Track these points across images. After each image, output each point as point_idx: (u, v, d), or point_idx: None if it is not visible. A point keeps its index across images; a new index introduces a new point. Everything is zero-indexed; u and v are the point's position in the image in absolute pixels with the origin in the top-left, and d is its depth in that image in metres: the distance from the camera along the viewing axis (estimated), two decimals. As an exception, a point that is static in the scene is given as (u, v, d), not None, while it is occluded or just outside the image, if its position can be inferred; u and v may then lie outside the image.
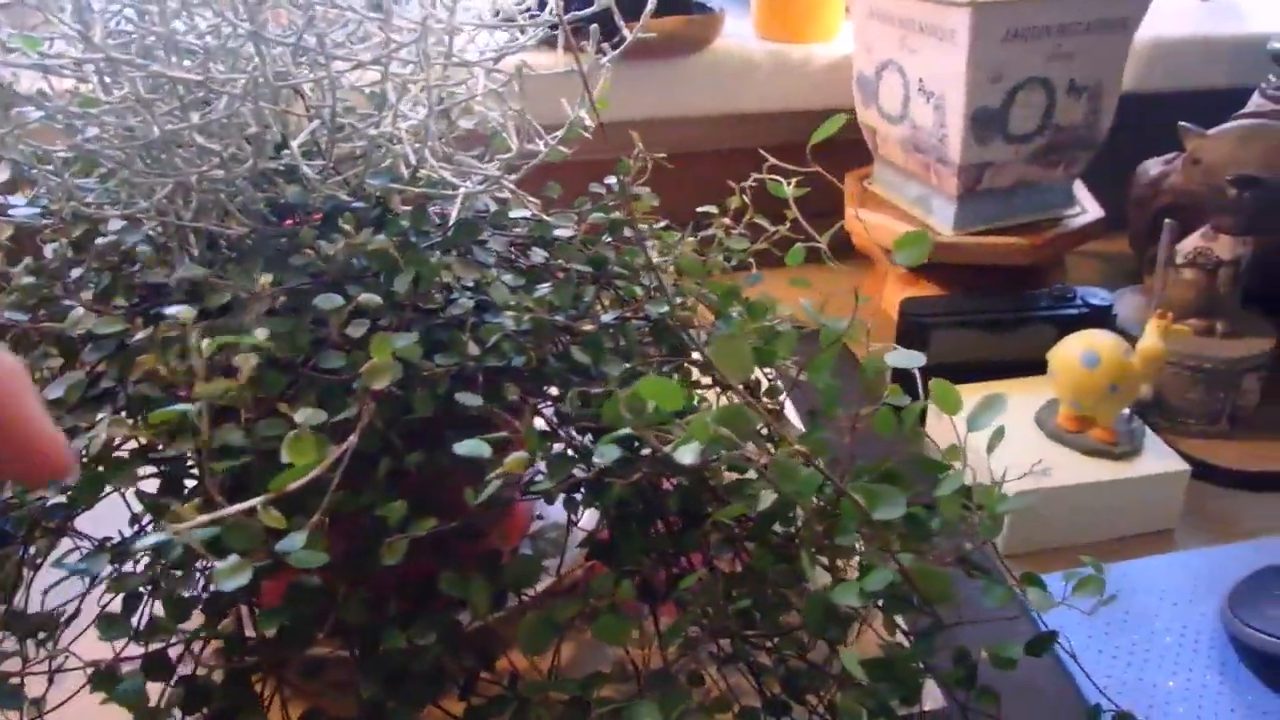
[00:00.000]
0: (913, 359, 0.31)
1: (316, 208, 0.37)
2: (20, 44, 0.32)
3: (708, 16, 0.75)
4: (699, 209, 0.43)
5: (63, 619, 0.31)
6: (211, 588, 0.27)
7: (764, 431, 0.34)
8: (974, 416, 0.31)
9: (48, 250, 0.37)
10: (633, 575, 0.33)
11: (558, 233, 0.36)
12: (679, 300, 0.38)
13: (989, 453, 0.37)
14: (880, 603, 0.29)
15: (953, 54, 0.58)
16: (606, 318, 0.36)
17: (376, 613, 0.30)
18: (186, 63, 0.34)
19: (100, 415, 0.31)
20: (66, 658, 0.29)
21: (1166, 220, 0.50)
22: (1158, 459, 0.51)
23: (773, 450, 0.31)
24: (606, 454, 0.26)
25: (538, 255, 0.39)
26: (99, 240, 0.36)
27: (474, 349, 0.32)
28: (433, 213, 0.38)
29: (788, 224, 0.44)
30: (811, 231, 0.40)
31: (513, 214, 0.40)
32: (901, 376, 0.60)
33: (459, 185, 0.37)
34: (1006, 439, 0.52)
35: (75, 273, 0.35)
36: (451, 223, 0.36)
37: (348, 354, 0.31)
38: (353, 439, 0.28)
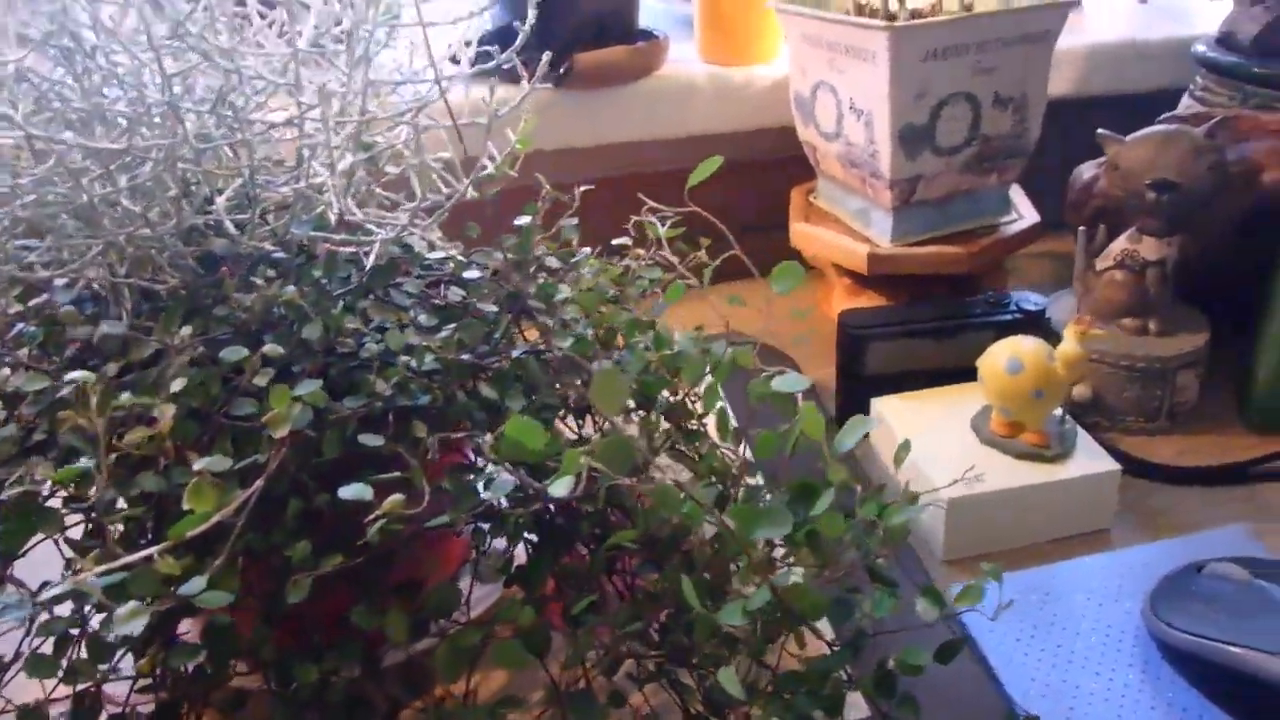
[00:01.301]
0: (798, 383, 0.33)
1: (246, 257, 0.38)
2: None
3: (651, 44, 0.77)
4: (613, 240, 0.45)
5: (4, 660, 0.32)
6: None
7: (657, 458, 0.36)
8: (841, 437, 0.32)
9: None
10: (546, 600, 0.34)
11: (466, 274, 0.38)
12: (591, 331, 0.39)
13: (896, 465, 0.38)
14: (758, 623, 0.30)
15: (876, 75, 0.60)
16: (516, 353, 0.37)
17: (297, 646, 0.32)
18: (114, 130, 0.36)
19: (34, 465, 0.32)
20: (7, 702, 0.31)
21: (1080, 228, 0.51)
22: (1089, 459, 0.52)
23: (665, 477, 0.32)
24: (496, 489, 0.28)
25: (456, 294, 0.40)
26: (34, 300, 0.38)
27: (383, 389, 0.33)
28: (362, 253, 0.39)
29: (703, 249, 0.45)
30: (740, 252, 0.41)
31: (431, 255, 0.41)
32: (840, 389, 0.62)
33: (376, 232, 0.39)
34: (943, 446, 0.54)
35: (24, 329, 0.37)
36: (368, 268, 0.38)
37: (259, 401, 0.32)
38: (259, 483, 0.29)
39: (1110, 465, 0.52)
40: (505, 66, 0.73)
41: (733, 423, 0.39)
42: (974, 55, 0.62)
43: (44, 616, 0.30)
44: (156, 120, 0.38)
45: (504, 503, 0.33)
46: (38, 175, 0.33)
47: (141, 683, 0.32)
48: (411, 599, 0.33)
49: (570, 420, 0.40)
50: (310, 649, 0.32)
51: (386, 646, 0.33)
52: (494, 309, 0.37)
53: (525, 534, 0.34)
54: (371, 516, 0.27)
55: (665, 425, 0.40)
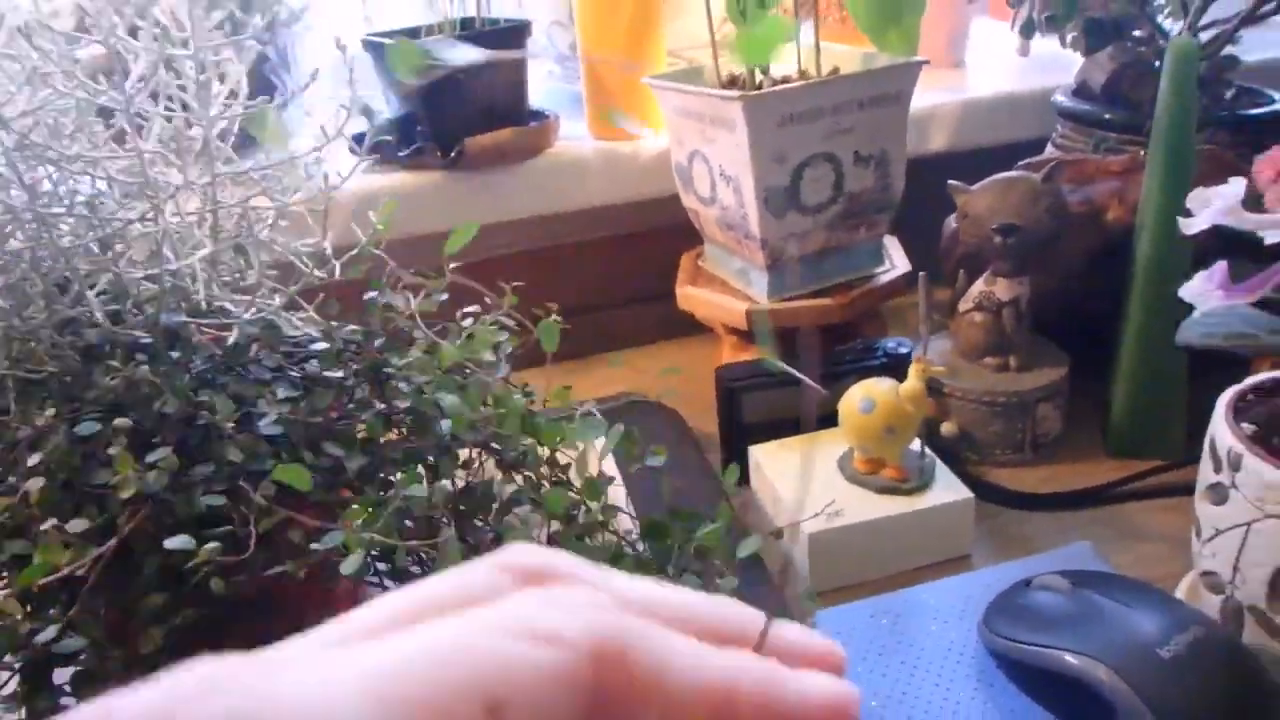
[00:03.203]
0: (596, 429, 0.38)
1: (121, 344, 0.43)
2: None
3: (541, 125, 0.84)
4: (460, 311, 0.50)
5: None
6: None
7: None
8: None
9: None
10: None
11: (313, 347, 0.43)
12: (440, 395, 0.44)
13: (730, 494, 0.43)
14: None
15: (737, 142, 0.67)
16: (366, 415, 0.42)
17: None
18: None
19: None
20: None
21: (920, 274, 0.57)
22: (945, 490, 0.57)
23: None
24: (325, 542, 0.32)
25: (314, 366, 0.45)
26: None
27: (235, 456, 0.38)
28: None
29: (548, 318, 0.51)
30: (532, 327, 0.47)
31: (292, 332, 0.46)
32: (723, 440, 0.67)
33: (235, 314, 0.44)
34: (812, 484, 0.58)
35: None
36: (229, 345, 0.43)
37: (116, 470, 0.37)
38: (112, 541, 0.34)
39: (964, 494, 0.57)
40: (402, 154, 0.80)
41: (592, 471, 0.44)
42: (830, 118, 0.69)
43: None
44: (30, 225, 0.43)
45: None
46: None
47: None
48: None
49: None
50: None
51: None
52: (340, 376, 0.42)
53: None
54: (190, 564, 0.31)
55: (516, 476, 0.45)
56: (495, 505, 0.43)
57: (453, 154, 0.80)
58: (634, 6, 0.83)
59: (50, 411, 0.39)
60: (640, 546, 0.44)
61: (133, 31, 0.42)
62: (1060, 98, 0.81)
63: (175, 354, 0.41)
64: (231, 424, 0.38)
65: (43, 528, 0.32)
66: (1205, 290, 0.45)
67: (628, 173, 0.84)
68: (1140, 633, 0.43)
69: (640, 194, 0.85)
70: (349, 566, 0.31)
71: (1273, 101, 0.75)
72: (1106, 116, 0.76)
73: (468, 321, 0.50)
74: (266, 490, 0.38)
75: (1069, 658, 0.43)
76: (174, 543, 0.32)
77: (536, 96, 0.88)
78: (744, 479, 0.66)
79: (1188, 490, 0.61)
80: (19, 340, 0.41)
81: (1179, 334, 0.46)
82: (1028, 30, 0.77)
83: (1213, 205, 0.44)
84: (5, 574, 0.35)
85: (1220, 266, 0.46)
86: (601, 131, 0.86)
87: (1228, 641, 0.42)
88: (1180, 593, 0.52)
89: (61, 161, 0.40)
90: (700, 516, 0.43)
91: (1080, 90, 0.81)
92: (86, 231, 0.43)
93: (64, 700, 0.34)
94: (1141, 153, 0.70)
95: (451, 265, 0.52)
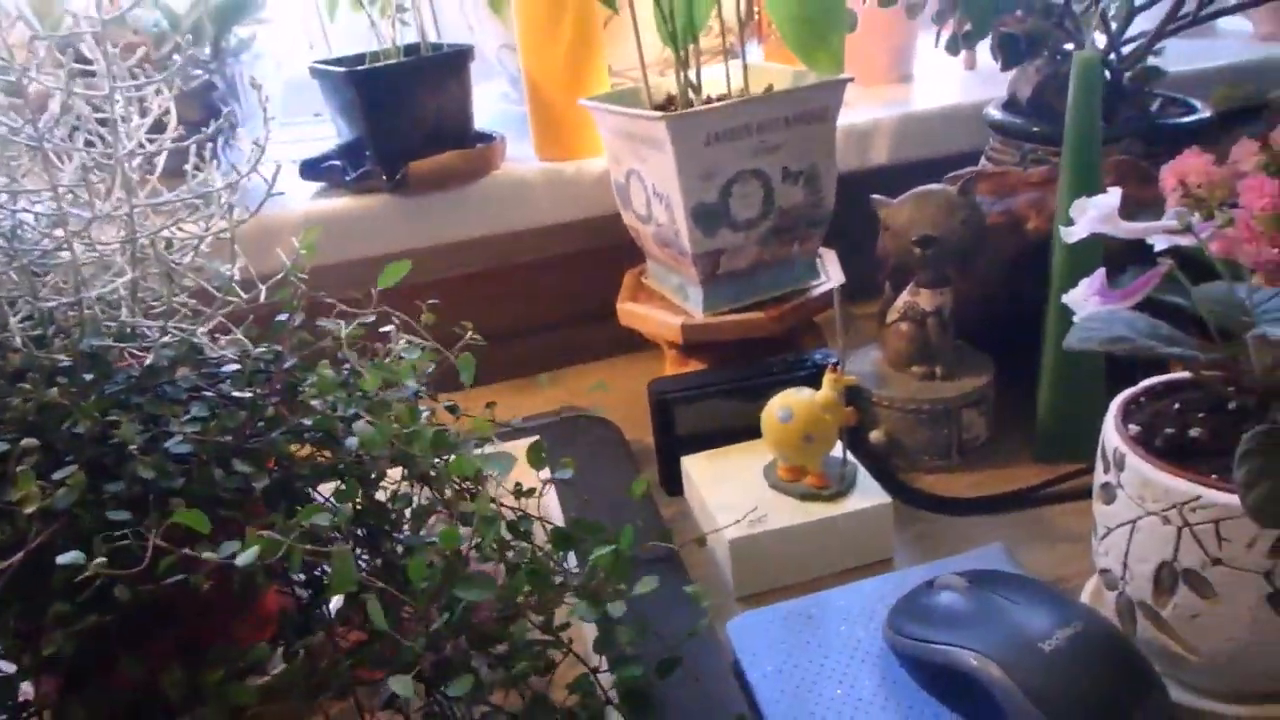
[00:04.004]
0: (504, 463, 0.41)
1: (44, 367, 0.46)
2: None
3: (487, 147, 0.87)
4: (382, 329, 0.52)
5: None
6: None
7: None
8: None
9: None
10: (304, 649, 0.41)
11: (223, 369, 0.45)
12: (350, 413, 0.47)
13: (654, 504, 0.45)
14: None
15: (665, 161, 0.70)
16: (274, 434, 0.44)
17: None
18: None
19: None
20: None
21: (834, 287, 0.60)
22: (864, 496, 0.60)
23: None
24: (222, 550, 0.35)
25: (228, 387, 0.47)
26: None
27: (145, 473, 0.40)
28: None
29: (468, 334, 0.53)
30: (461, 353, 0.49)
31: (214, 352, 0.49)
32: (658, 451, 0.69)
33: (152, 338, 0.46)
34: (735, 494, 0.61)
35: None
36: (146, 366, 0.45)
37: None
38: (18, 556, 0.36)
39: (883, 499, 0.59)
40: (349, 178, 0.82)
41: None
42: (756, 135, 0.71)
43: None
44: None
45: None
46: None
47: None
48: (193, 658, 0.39)
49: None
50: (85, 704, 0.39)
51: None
52: (249, 395, 0.44)
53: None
54: (81, 577, 0.34)
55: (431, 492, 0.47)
56: (407, 517, 0.46)
57: (397, 177, 0.83)
58: (574, 30, 0.86)
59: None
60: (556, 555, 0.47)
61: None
62: (991, 110, 0.84)
63: (89, 376, 0.43)
64: (139, 443, 0.40)
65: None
66: (1085, 297, 0.48)
67: (573, 193, 0.87)
68: (1025, 628, 0.45)
69: (585, 214, 0.88)
70: (245, 558, 0.33)
71: (1195, 111, 0.78)
72: (1034, 129, 0.79)
73: (388, 343, 0.53)
74: (177, 504, 0.40)
75: (960, 653, 0.45)
76: (65, 558, 0.34)
77: (488, 119, 0.91)
78: (677, 489, 0.68)
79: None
80: None
81: (1065, 339, 0.49)
82: (953, 46, 0.79)
83: (1088, 214, 0.47)
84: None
85: (1099, 273, 0.48)
86: (546, 152, 0.89)
87: (1107, 634, 0.45)
88: (1087, 591, 0.54)
89: None
90: (601, 529, 0.45)
91: (1009, 103, 0.84)
92: (9, 261, 0.45)
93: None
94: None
95: (376, 290, 0.55)
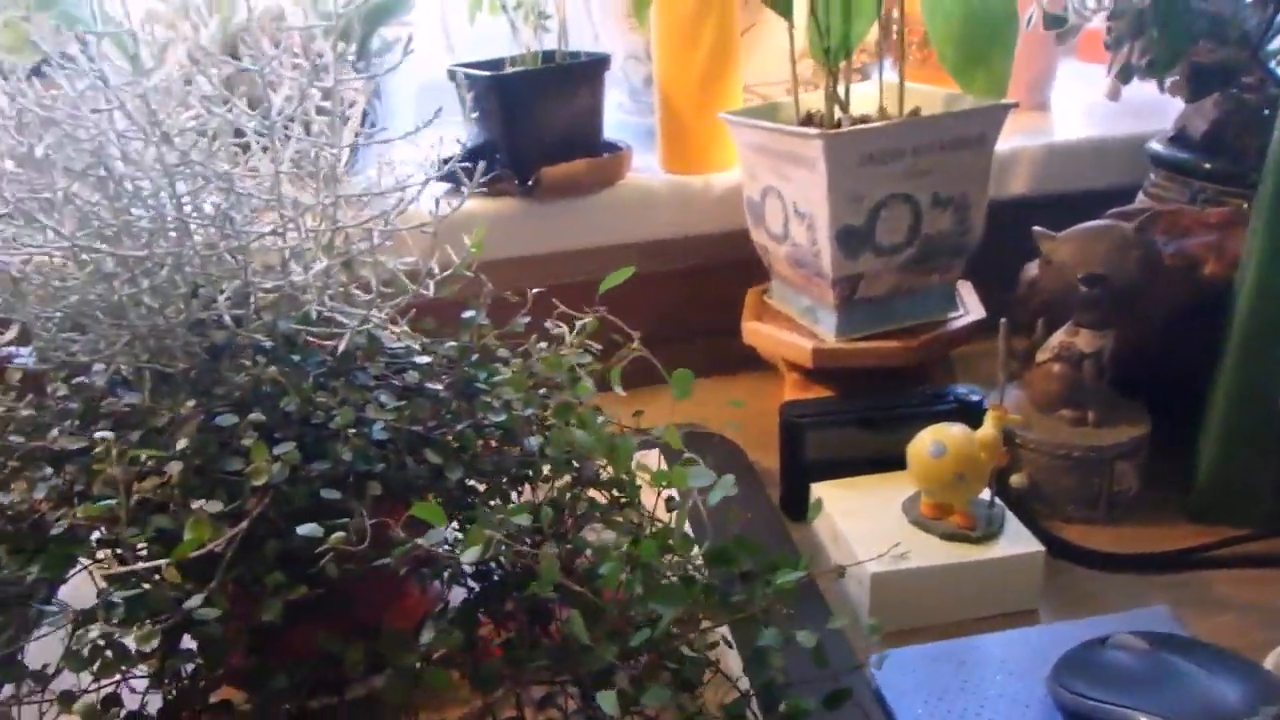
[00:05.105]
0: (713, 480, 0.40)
1: (243, 346, 0.47)
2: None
3: (615, 156, 0.87)
4: (548, 329, 0.52)
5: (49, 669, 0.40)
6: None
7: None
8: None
9: (49, 388, 0.50)
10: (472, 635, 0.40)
11: (416, 359, 0.45)
12: (529, 412, 0.46)
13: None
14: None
15: (815, 180, 0.68)
16: (459, 427, 0.44)
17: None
18: (137, 241, 0.45)
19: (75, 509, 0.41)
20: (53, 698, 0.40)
21: (1002, 320, 0.58)
22: (1014, 541, 0.57)
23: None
24: (428, 539, 0.35)
25: (414, 377, 0.48)
26: (76, 379, 0.48)
27: (346, 455, 0.41)
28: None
29: (634, 341, 0.53)
30: (659, 364, 0.49)
31: (394, 344, 0.49)
32: (783, 476, 0.68)
33: (345, 325, 0.47)
34: (873, 526, 0.59)
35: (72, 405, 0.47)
36: (339, 353, 0.46)
37: (246, 460, 0.40)
38: (244, 524, 0.37)
39: (1035, 547, 0.57)
40: (481, 181, 0.83)
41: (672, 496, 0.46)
42: (910, 159, 0.70)
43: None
44: (171, 233, 0.47)
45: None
46: (80, 279, 0.45)
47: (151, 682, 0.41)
48: (370, 637, 0.40)
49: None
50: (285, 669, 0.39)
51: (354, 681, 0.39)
52: (438, 388, 0.44)
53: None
54: (319, 549, 0.34)
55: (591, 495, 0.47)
56: (570, 521, 0.45)
57: (529, 182, 0.83)
58: (711, 43, 0.86)
59: (191, 403, 0.42)
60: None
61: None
62: (1156, 145, 0.81)
63: (295, 357, 0.44)
64: (349, 426, 0.41)
65: (193, 506, 0.37)
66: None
67: (698, 207, 0.87)
68: (1223, 701, 0.42)
69: (709, 228, 0.87)
70: (469, 555, 0.34)
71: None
72: (1207, 166, 0.76)
73: (542, 344, 0.52)
74: (374, 489, 0.40)
75: (1141, 718, 0.43)
76: (305, 530, 0.36)
77: (608, 129, 0.91)
78: (800, 514, 0.66)
79: (1277, 562, 0.61)
80: (155, 337, 0.46)
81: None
82: (1125, 75, 0.77)
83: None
84: (147, 546, 0.40)
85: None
86: (674, 165, 0.89)
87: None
88: (1269, 665, 0.51)
89: (207, 177, 0.43)
90: (767, 551, 0.43)
91: (1178, 138, 0.81)
92: (220, 241, 0.46)
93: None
94: (1245, 205, 0.70)
95: (533, 291, 0.56)
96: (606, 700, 0.34)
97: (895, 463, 0.64)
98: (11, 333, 0.51)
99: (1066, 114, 1.04)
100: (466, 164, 0.86)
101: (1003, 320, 0.59)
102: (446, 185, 0.86)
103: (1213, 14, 0.70)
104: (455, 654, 0.38)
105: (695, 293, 0.90)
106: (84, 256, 0.46)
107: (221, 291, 0.46)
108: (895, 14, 0.81)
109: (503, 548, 0.38)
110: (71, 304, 0.47)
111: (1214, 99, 0.76)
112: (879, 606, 0.56)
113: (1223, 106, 0.74)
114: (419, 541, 0.38)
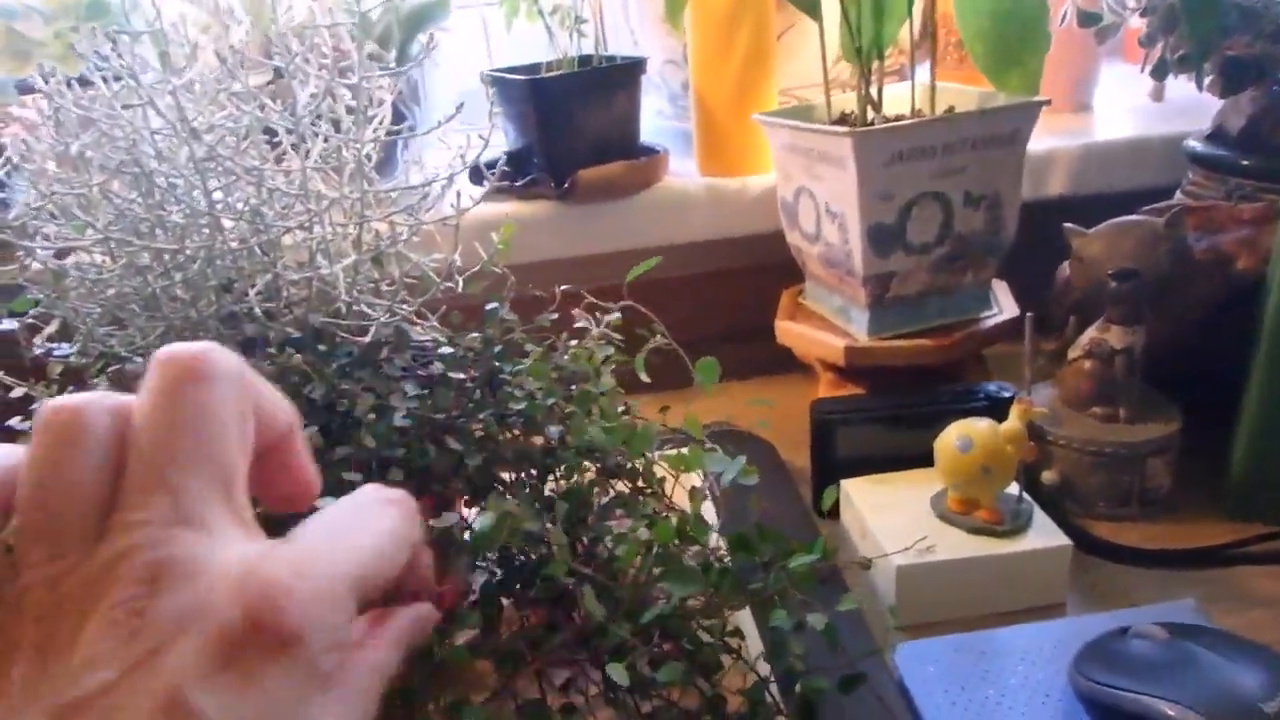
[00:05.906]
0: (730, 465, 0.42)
1: (272, 338, 0.50)
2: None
3: (651, 159, 0.89)
4: (576, 324, 0.55)
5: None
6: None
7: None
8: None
9: (89, 382, 0.54)
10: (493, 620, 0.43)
11: (442, 350, 0.48)
12: (551, 402, 0.49)
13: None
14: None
15: (845, 178, 0.70)
16: (482, 415, 0.46)
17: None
18: (170, 235, 0.49)
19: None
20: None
21: (1026, 315, 0.59)
22: (1041, 536, 0.58)
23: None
24: (443, 520, 0.37)
25: (439, 367, 0.50)
26: (111, 369, 0.52)
27: (369, 441, 0.43)
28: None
29: (656, 338, 0.55)
30: (682, 352, 0.51)
31: (421, 337, 0.52)
32: (815, 473, 0.69)
33: (372, 317, 0.50)
34: (901, 521, 0.60)
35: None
36: (366, 344, 0.49)
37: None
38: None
39: (1061, 541, 0.58)
40: (518, 184, 0.87)
41: (696, 483, 0.48)
42: (941, 157, 0.71)
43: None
44: (204, 228, 0.50)
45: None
46: (115, 272, 0.48)
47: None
48: None
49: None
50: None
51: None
52: (461, 378, 0.47)
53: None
54: None
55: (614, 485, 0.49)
56: (593, 510, 0.47)
57: (565, 185, 0.85)
58: (747, 47, 0.88)
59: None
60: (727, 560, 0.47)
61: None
62: (1193, 143, 0.81)
63: (321, 348, 0.47)
64: (370, 413, 0.43)
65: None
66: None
67: (734, 209, 0.89)
68: (1241, 687, 0.43)
69: (745, 230, 0.89)
70: (481, 523, 0.36)
71: None
72: (1243, 162, 0.76)
73: (573, 341, 0.55)
74: (395, 475, 0.43)
75: (1164, 706, 0.44)
76: (322, 504, 0.37)
77: (645, 133, 0.93)
78: (834, 511, 0.68)
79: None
80: (189, 330, 0.49)
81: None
82: (1159, 72, 0.77)
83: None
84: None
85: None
86: (710, 168, 0.91)
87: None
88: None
89: (237, 173, 0.46)
90: (785, 539, 0.45)
91: (1215, 135, 0.81)
92: (251, 236, 0.49)
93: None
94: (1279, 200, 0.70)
95: (561, 288, 0.58)
96: (616, 670, 0.36)
97: (926, 459, 0.66)
98: (52, 327, 0.54)
99: (1109, 115, 1.04)
100: (505, 168, 0.90)
101: (1027, 316, 0.60)
102: (481, 189, 0.90)
103: (1244, 7, 0.70)
104: (476, 636, 0.40)
105: (731, 295, 0.92)
106: (119, 251, 0.49)
107: (253, 285, 0.49)
108: (929, 13, 0.82)
109: (520, 532, 0.40)
110: (109, 298, 0.50)
111: (1250, 95, 0.76)
112: (905, 600, 0.57)
113: (1259, 102, 0.75)
114: (431, 523, 0.40)
